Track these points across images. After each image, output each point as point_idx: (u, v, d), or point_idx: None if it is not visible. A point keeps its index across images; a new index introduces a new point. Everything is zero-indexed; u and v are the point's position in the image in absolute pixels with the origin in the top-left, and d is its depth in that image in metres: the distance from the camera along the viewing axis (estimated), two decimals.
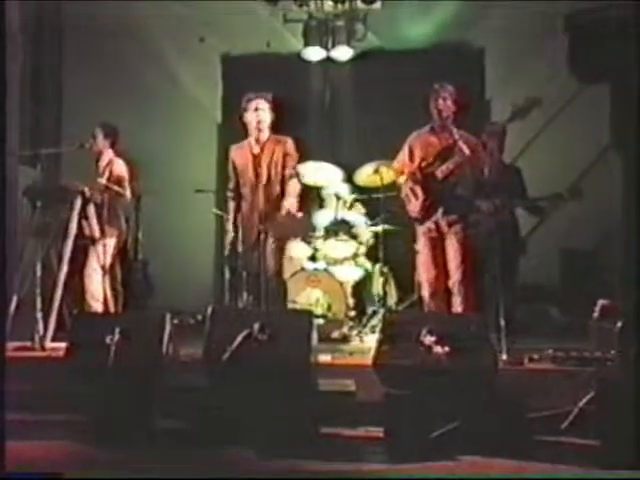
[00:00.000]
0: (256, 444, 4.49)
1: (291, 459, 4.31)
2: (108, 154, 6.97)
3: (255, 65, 8.78)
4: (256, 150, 6.22)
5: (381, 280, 7.29)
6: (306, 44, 8.65)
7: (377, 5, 8.31)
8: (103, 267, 6.56)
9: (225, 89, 9.06)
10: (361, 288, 7.51)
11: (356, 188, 7.55)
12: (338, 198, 7.44)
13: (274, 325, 4.90)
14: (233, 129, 8.81)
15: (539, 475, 4.17)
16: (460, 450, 4.40)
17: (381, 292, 7.30)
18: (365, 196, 7.51)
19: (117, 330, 4.94)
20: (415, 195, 6.15)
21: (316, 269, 7.21)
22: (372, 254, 7.46)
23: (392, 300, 7.45)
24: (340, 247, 7.36)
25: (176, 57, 8.87)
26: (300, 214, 6.32)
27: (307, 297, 6.98)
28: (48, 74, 8.66)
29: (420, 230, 6.22)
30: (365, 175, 7.18)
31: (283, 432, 4.61)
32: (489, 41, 8.61)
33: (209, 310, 5.09)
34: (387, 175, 6.96)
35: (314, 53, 8.69)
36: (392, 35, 8.72)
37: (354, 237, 7.44)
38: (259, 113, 6.22)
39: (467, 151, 5.97)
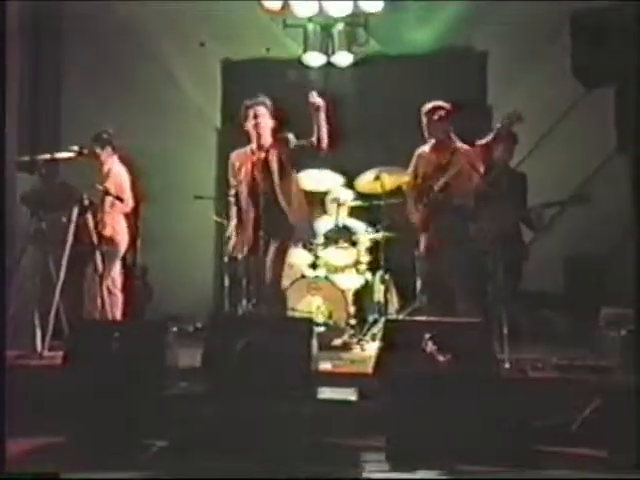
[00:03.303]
0: (255, 452, 4.44)
1: (290, 468, 4.26)
2: (111, 160, 6.93)
3: (255, 70, 8.74)
4: (260, 156, 6.10)
5: (382, 288, 7.23)
6: (306, 49, 8.68)
7: (379, 6, 8.29)
8: (101, 274, 6.50)
9: (225, 94, 9.06)
10: (362, 296, 7.45)
11: (357, 194, 7.53)
12: (339, 205, 7.39)
13: (274, 333, 4.88)
14: (233, 134, 8.80)
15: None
16: (461, 460, 4.34)
17: (382, 300, 7.23)
18: (366, 203, 7.48)
19: (116, 337, 4.94)
20: (416, 207, 6.29)
21: (317, 277, 7.16)
22: (373, 261, 7.42)
23: (393, 308, 7.38)
24: (341, 254, 7.32)
25: (176, 61, 8.85)
26: (304, 220, 6.28)
27: (308, 304, 6.95)
28: (47, 77, 8.57)
29: (422, 239, 6.28)
30: (366, 182, 7.15)
31: (282, 440, 4.56)
32: (492, 45, 8.59)
33: (208, 317, 5.06)
34: (388, 182, 6.95)
35: (314, 58, 8.71)
36: (394, 40, 8.70)
37: (354, 244, 7.39)
38: (258, 120, 6.10)
39: (463, 162, 6.08)
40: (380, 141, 8.16)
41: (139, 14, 8.68)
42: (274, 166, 6.04)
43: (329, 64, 8.70)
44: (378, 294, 7.33)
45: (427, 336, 4.69)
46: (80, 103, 8.58)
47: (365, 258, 7.44)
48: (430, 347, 4.66)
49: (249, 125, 6.12)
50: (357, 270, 7.38)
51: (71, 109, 8.71)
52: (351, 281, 7.33)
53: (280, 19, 8.64)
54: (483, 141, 6.01)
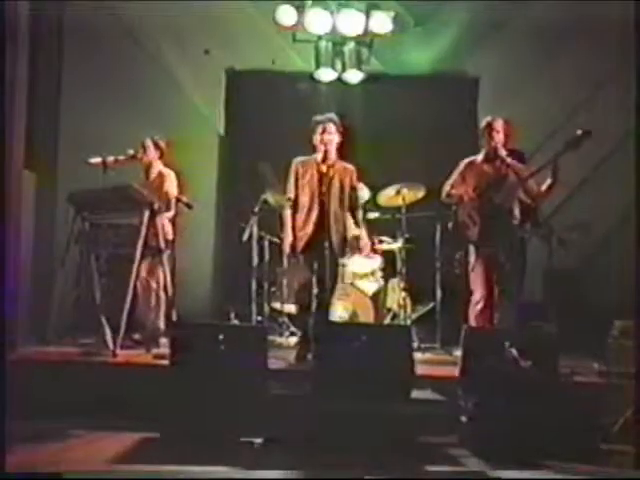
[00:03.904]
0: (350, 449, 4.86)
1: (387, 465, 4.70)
2: (157, 165, 7.06)
3: (259, 80, 9.02)
4: (324, 169, 6.37)
5: (396, 295, 7.70)
6: (318, 65, 8.87)
7: (388, 28, 8.68)
8: (157, 276, 6.78)
9: (228, 102, 9.16)
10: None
11: (378, 207, 7.93)
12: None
13: (373, 337, 5.28)
14: (235, 141, 9.06)
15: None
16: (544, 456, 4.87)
17: (395, 307, 7.74)
18: (387, 215, 7.91)
19: (221, 339, 5.19)
20: (473, 221, 6.45)
21: (344, 284, 7.56)
22: (389, 270, 7.93)
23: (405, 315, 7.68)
24: (364, 263, 7.80)
25: (180, 68, 8.92)
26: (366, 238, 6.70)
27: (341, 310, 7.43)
28: (48, 80, 8.45)
29: (478, 251, 6.46)
30: (387, 196, 7.64)
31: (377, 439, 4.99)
32: (483, 71, 9.02)
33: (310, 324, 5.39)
34: (408, 196, 7.47)
35: (325, 74, 8.93)
36: (395, 61, 9.10)
37: (375, 253, 7.91)
38: (326, 136, 6.38)
39: (521, 175, 6.37)
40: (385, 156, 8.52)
41: (143, 21, 8.74)
42: (341, 185, 6.42)
43: (338, 80, 8.97)
44: (392, 301, 7.84)
45: (508, 344, 5.21)
46: (82, 110, 8.40)
47: (382, 267, 7.94)
48: (513, 353, 5.18)
49: (317, 139, 6.43)
50: (374, 278, 7.84)
51: (71, 113, 8.52)
52: (371, 288, 7.76)
53: (289, 33, 8.80)
54: (534, 168, 6.36)
